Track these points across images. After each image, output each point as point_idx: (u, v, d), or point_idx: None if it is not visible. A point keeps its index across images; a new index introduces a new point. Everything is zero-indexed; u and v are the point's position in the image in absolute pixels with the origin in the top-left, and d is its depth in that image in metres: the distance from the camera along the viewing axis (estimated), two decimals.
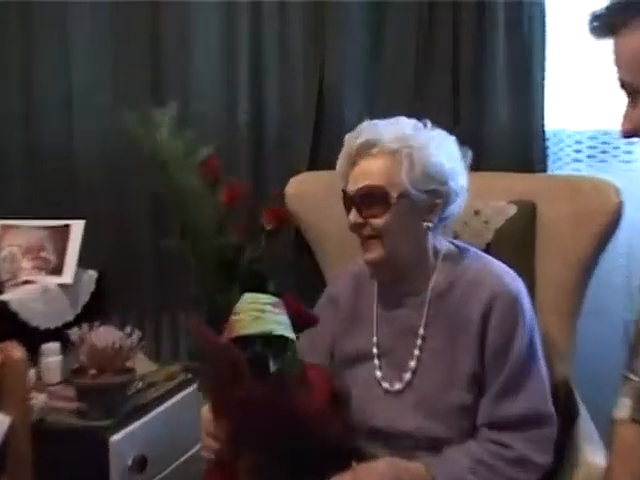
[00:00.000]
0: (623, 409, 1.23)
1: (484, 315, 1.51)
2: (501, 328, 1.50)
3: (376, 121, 1.54)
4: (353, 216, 1.51)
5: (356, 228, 1.53)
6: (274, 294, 1.37)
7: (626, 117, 1.11)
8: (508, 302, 1.50)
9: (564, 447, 1.58)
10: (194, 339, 1.50)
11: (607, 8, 1.10)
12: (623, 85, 1.10)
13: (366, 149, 1.50)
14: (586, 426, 1.67)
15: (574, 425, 1.66)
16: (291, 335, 1.30)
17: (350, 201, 1.52)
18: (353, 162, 1.53)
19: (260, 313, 1.30)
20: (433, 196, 1.50)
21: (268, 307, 1.31)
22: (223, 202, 1.45)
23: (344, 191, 1.54)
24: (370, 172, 1.49)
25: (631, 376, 1.22)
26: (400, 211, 1.48)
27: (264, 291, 1.38)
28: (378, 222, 1.50)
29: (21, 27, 2.35)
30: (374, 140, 1.50)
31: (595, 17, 1.10)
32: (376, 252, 1.53)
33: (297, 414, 1.29)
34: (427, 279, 1.57)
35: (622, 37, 1.08)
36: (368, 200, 1.50)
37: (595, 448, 1.55)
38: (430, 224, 1.51)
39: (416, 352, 1.55)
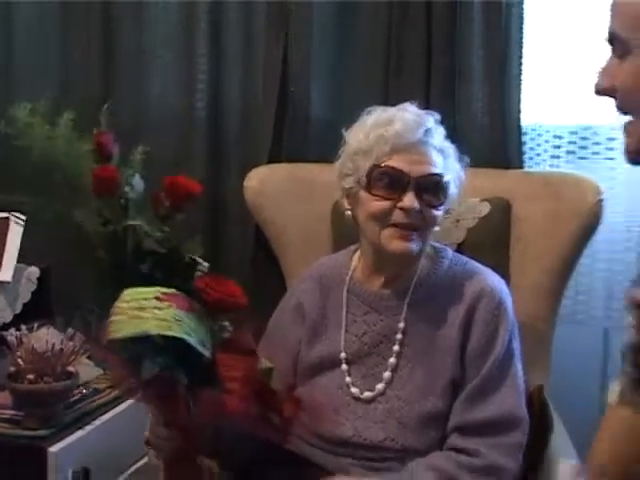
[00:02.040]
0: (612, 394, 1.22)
1: (468, 314, 1.55)
2: (484, 329, 1.53)
3: (411, 108, 1.57)
4: (410, 200, 1.50)
5: (406, 214, 1.51)
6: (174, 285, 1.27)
7: (607, 72, 1.06)
8: (492, 302, 1.55)
9: (537, 459, 1.61)
10: None
11: None
12: (612, 39, 1.05)
13: (426, 138, 1.52)
14: (561, 438, 1.68)
15: (548, 436, 1.67)
16: (173, 333, 1.21)
17: (400, 181, 1.51)
18: (398, 147, 1.52)
19: (138, 312, 1.20)
20: None
21: (151, 302, 1.21)
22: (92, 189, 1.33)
23: (391, 167, 1.52)
24: (432, 161, 1.52)
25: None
26: (445, 206, 1.57)
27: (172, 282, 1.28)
28: (435, 213, 1.53)
29: None
30: (432, 131, 1.54)
31: None
32: (415, 244, 1.53)
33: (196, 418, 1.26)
34: (410, 280, 1.60)
35: None
36: (431, 187, 1.52)
37: (568, 460, 1.55)
38: None
39: (392, 360, 1.56)
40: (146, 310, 1.21)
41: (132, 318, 1.20)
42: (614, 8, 1.05)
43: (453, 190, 1.55)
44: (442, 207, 1.54)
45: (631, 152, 1.07)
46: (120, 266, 1.29)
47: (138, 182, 1.33)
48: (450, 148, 1.56)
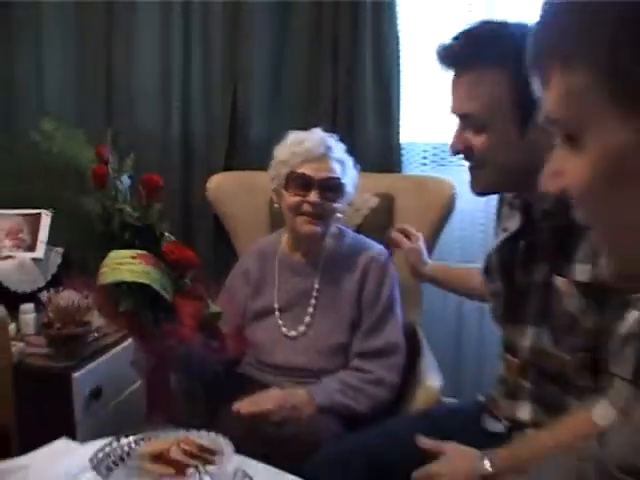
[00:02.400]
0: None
1: (363, 275, 1.78)
2: (375, 283, 1.78)
3: (318, 132, 1.77)
4: (314, 196, 1.70)
5: (312, 206, 1.70)
6: (144, 248, 1.40)
7: (460, 139, 1.17)
8: (380, 265, 1.80)
9: (411, 373, 1.84)
10: None
11: (455, 47, 1.12)
12: (463, 116, 1.16)
13: (328, 152, 1.74)
14: (428, 358, 1.93)
15: (419, 357, 1.92)
16: (141, 280, 1.33)
17: (307, 183, 1.70)
18: (307, 159, 1.71)
19: (118, 265, 1.34)
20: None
21: (127, 260, 1.35)
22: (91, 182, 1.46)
23: (301, 172, 1.71)
24: (332, 169, 1.73)
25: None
26: (343, 200, 1.77)
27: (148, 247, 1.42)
28: (334, 205, 1.74)
29: None
30: (333, 148, 1.76)
31: (444, 51, 1.14)
32: (320, 228, 1.74)
33: (163, 339, 1.37)
34: (321, 252, 1.83)
35: (467, 76, 1.13)
36: (330, 187, 1.72)
37: (433, 375, 1.81)
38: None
39: (310, 309, 1.80)
40: (124, 265, 1.33)
41: (113, 270, 1.33)
42: (466, 92, 1.13)
43: (350, 189, 1.79)
44: (340, 201, 1.76)
45: (477, 190, 1.23)
46: (110, 236, 1.42)
47: (126, 179, 1.48)
48: (349, 160, 1.80)
